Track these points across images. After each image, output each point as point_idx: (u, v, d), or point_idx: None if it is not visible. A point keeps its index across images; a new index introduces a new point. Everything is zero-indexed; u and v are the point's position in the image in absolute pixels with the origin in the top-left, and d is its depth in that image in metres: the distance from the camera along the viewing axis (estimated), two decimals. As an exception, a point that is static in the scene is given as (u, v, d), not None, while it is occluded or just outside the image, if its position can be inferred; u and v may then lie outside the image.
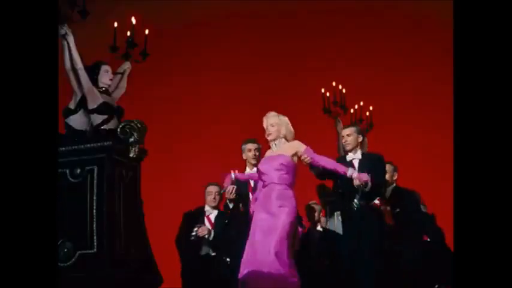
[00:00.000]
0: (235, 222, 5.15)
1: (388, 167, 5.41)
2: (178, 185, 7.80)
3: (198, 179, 7.76)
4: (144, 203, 5.05)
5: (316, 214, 5.62)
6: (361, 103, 7.52)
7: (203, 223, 5.49)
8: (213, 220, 5.54)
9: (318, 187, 7.29)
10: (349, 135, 5.12)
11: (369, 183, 4.51)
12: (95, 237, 4.51)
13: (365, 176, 4.41)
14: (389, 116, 8.43)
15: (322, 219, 5.93)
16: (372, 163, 4.93)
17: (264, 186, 4.25)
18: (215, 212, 5.57)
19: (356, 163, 4.97)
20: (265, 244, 3.97)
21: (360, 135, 5.12)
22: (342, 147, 7.28)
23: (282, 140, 4.37)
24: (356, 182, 4.48)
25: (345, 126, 5.52)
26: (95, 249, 4.49)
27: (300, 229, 4.31)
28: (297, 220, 4.25)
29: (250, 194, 4.91)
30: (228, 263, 5.10)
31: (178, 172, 8.33)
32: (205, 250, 5.42)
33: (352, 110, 7.47)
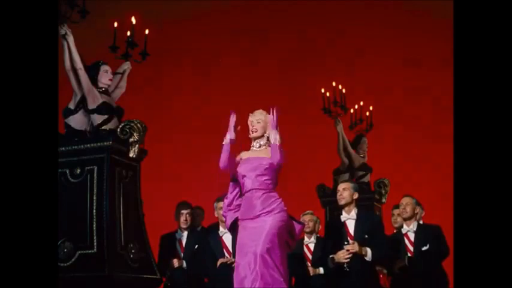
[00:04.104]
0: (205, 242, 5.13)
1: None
2: (178, 185, 7.79)
3: (198, 179, 7.81)
4: (144, 203, 5.06)
5: (311, 224, 5.54)
6: (361, 103, 7.53)
7: (175, 248, 5.32)
8: (184, 244, 5.33)
9: (318, 187, 7.31)
10: (345, 189, 4.79)
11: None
12: (95, 237, 4.52)
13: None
14: (390, 116, 8.43)
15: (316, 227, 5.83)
16: (371, 226, 4.69)
17: (245, 191, 3.98)
18: (185, 234, 5.36)
19: (350, 224, 4.72)
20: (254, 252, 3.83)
21: (356, 193, 4.79)
22: (341, 147, 7.34)
23: (266, 141, 4.04)
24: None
25: (343, 181, 5.28)
26: (95, 249, 4.50)
27: (298, 226, 4.11)
28: (286, 220, 4.02)
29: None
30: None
31: (179, 172, 8.33)
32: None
33: (352, 110, 7.48)
